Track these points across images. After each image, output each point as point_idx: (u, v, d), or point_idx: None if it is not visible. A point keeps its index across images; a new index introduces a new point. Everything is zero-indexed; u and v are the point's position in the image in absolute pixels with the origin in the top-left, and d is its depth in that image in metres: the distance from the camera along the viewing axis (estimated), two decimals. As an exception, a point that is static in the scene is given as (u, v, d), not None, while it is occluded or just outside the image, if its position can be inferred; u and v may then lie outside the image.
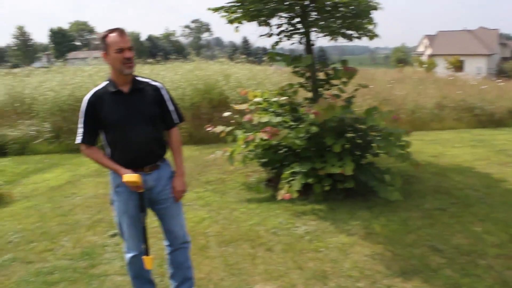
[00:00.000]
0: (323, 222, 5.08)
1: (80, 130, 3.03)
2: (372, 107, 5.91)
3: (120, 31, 2.90)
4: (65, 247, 4.70)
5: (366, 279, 3.82)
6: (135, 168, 3.00)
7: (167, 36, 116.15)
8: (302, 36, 6.12)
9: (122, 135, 2.99)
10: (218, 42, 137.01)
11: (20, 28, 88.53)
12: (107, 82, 3.02)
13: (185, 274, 3.34)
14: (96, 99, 2.98)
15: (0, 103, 11.87)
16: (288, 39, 6.21)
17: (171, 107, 3.15)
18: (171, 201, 3.18)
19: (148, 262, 3.11)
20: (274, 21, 6.14)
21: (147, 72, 12.38)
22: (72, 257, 4.45)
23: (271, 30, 6.16)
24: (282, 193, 5.43)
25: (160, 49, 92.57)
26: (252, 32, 6.59)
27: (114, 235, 4.93)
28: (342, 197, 5.75)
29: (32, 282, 3.96)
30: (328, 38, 6.20)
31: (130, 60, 2.91)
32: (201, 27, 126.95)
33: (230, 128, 6.45)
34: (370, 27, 5.97)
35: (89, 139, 3.05)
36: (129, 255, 3.25)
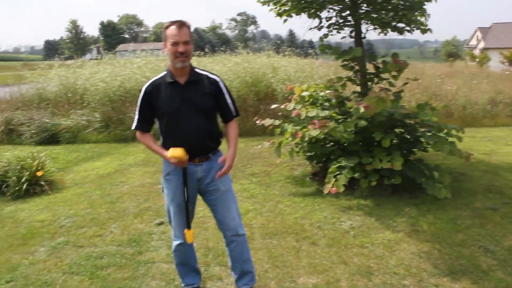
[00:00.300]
0: (369, 218, 5.00)
1: (136, 117, 3.16)
2: (424, 101, 5.75)
3: (178, 24, 2.93)
4: (114, 234, 4.84)
5: (412, 277, 3.73)
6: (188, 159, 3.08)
7: (213, 29, 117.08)
8: (352, 28, 6.01)
9: (174, 125, 3.04)
10: (264, 35, 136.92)
11: (73, 22, 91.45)
12: (166, 72, 3.09)
13: (242, 267, 3.33)
14: (153, 88, 3.08)
15: (54, 94, 12.35)
16: (338, 32, 6.12)
17: (228, 100, 3.16)
18: (221, 193, 3.18)
19: (189, 236, 3.18)
20: (324, 13, 6.07)
21: (194, 65, 12.57)
22: (120, 243, 4.58)
23: (320, 22, 6.08)
24: (329, 187, 5.38)
25: (206, 41, 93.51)
26: (301, 25, 6.54)
27: (160, 224, 5.03)
28: (389, 193, 5.63)
29: (83, 265, 4.10)
30: (377, 31, 6.07)
31: (183, 54, 2.93)
32: (247, 20, 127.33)
33: (278, 121, 6.43)
34: (422, 19, 5.79)
35: (143, 126, 3.17)
36: (175, 243, 3.37)
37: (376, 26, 5.86)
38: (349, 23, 5.98)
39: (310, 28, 6.13)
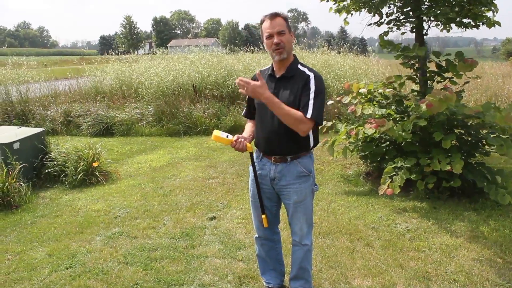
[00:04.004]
0: (425, 221, 4.83)
1: (246, 104, 3.28)
2: (489, 102, 5.48)
3: (270, 16, 2.85)
4: (166, 226, 4.89)
5: (473, 285, 3.56)
6: (265, 154, 3.06)
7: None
8: (413, 25, 5.80)
9: (259, 119, 3.03)
10: (315, 31, 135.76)
11: (128, 18, 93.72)
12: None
13: (297, 272, 3.27)
14: (256, 78, 3.02)
15: (109, 87, 12.72)
16: (398, 29, 5.92)
17: (311, 101, 2.80)
18: (294, 202, 3.05)
19: (264, 220, 3.16)
20: (384, 9, 5.90)
21: (247, 61, 12.60)
22: (173, 236, 4.62)
23: (381, 18, 5.91)
24: (384, 188, 5.23)
25: (256, 38, 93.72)
26: (358, 22, 6.38)
27: (212, 218, 5.05)
28: (446, 196, 5.42)
29: (137, 256, 4.17)
30: (440, 27, 5.84)
31: (278, 46, 2.82)
32: (298, 17, 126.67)
33: (330, 123, 6.32)
34: (489, 14, 5.52)
35: (246, 113, 3.29)
36: (255, 236, 3.41)
37: (439, 22, 5.62)
38: (410, 19, 5.77)
39: (369, 24, 5.97)
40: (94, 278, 3.79)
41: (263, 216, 3.13)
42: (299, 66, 2.95)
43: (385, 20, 5.99)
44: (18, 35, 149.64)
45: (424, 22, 5.82)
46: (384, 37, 5.74)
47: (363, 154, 6.11)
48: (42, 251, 4.37)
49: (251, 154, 3.06)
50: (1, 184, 5.56)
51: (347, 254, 4.12)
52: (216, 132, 2.95)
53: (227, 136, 2.94)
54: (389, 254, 4.09)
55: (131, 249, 4.33)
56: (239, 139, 2.95)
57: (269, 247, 3.39)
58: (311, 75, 2.88)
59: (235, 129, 9.61)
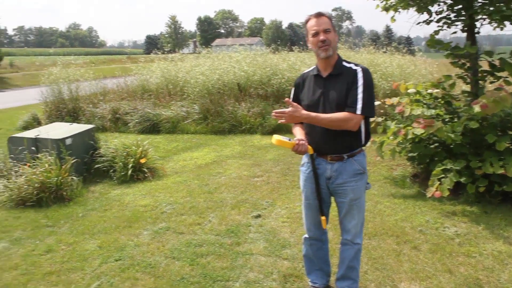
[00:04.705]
0: (476, 226, 4.68)
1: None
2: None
3: (316, 15, 2.91)
4: (212, 223, 4.95)
5: (529, 295, 3.43)
6: (319, 154, 3.06)
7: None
8: (465, 23, 5.63)
9: None
10: (359, 30, 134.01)
11: (173, 18, 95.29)
12: (315, 66, 3.10)
13: (344, 272, 3.26)
14: (301, 80, 3.15)
15: (156, 85, 12.97)
16: (448, 27, 5.77)
17: (360, 95, 2.83)
18: (349, 200, 3.07)
19: (323, 222, 3.18)
20: (434, 7, 5.75)
21: (292, 60, 12.59)
22: (218, 233, 4.68)
23: (430, 17, 5.77)
24: (432, 191, 5.10)
25: (300, 37, 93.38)
26: (405, 20, 6.24)
27: (257, 217, 5.08)
28: (498, 200, 5.23)
29: (183, 251, 4.24)
30: (493, 25, 5.63)
31: (325, 43, 2.86)
32: (342, 15, 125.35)
33: (381, 118, 6.23)
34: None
35: None
36: (304, 236, 3.42)
37: (492, 20, 5.43)
38: (462, 18, 5.61)
39: (418, 23, 5.85)
40: (142, 271, 3.89)
41: (323, 218, 3.16)
42: (344, 63, 2.97)
43: (434, 18, 5.85)
44: (69, 35, 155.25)
45: (476, 21, 5.64)
46: (435, 36, 5.59)
47: (411, 155, 5.99)
48: (93, 243, 4.53)
49: (312, 156, 3.06)
50: (55, 178, 5.78)
51: (393, 256, 4.06)
52: (277, 137, 2.98)
53: (289, 140, 2.97)
54: (437, 258, 4.00)
55: (177, 244, 4.42)
56: (301, 142, 2.96)
57: (317, 247, 3.39)
58: (358, 69, 2.91)
59: (280, 128, 9.61)
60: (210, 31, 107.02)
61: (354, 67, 2.93)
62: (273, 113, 2.89)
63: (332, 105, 2.90)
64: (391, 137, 5.66)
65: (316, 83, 3.01)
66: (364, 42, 13.83)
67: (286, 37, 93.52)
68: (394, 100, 5.95)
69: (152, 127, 10.85)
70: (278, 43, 19.01)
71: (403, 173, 6.54)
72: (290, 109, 2.85)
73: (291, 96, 3.21)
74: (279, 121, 2.92)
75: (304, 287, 3.58)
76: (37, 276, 3.89)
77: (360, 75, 2.87)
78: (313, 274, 3.49)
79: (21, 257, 4.28)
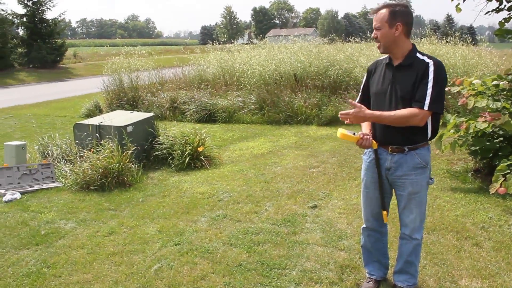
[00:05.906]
0: (543, 225, 4.46)
1: (360, 93, 3.26)
2: None
3: (374, 10, 2.90)
4: (268, 212, 4.98)
5: None
6: (380, 144, 3.03)
7: (364, 14, 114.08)
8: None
9: (376, 109, 2.98)
10: (418, 20, 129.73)
11: (228, 8, 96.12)
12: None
13: (402, 266, 3.22)
14: (373, 66, 3.14)
15: (212, 75, 13.13)
16: (520, 15, 5.48)
17: (429, 90, 2.74)
18: (408, 193, 3.01)
19: (384, 216, 3.17)
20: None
21: (350, 51, 12.39)
22: (275, 222, 4.70)
23: (500, 4, 5.50)
24: (496, 187, 4.88)
25: (356, 27, 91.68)
26: (471, 9, 5.97)
27: (314, 207, 5.06)
28: None
29: (240, 238, 4.30)
30: None
31: (375, 40, 2.92)
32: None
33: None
34: None
35: (360, 101, 3.17)
36: (362, 226, 3.41)
37: None
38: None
39: (487, 12, 5.58)
40: (200, 256, 3.98)
41: (384, 212, 3.14)
42: (418, 55, 2.88)
43: (505, 6, 5.56)
44: (128, 26, 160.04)
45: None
46: (505, 23, 5.33)
47: (473, 149, 5.75)
48: (152, 227, 4.67)
49: (376, 150, 3.04)
50: (117, 164, 5.99)
51: (453, 252, 3.93)
52: (342, 130, 2.96)
53: (354, 134, 2.95)
54: (501, 257, 3.83)
55: (234, 231, 4.48)
56: (365, 136, 2.94)
57: (375, 238, 3.34)
58: (431, 62, 2.80)
59: (336, 119, 9.50)
60: (265, 21, 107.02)
61: (427, 60, 2.82)
62: (339, 114, 2.92)
63: (397, 96, 2.86)
64: (452, 131, 5.46)
65: (386, 72, 2.98)
66: (426, 32, 13.31)
67: (341, 28, 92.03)
68: (455, 89, 5.71)
69: (209, 117, 11.02)
70: (332, 34, 18.71)
71: (464, 167, 6.29)
72: (354, 110, 2.86)
73: (363, 81, 3.20)
74: (346, 122, 2.94)
75: (361, 279, 3.53)
76: (101, 256, 4.06)
77: (431, 68, 2.77)
78: (370, 265, 3.45)
79: (87, 237, 4.48)
